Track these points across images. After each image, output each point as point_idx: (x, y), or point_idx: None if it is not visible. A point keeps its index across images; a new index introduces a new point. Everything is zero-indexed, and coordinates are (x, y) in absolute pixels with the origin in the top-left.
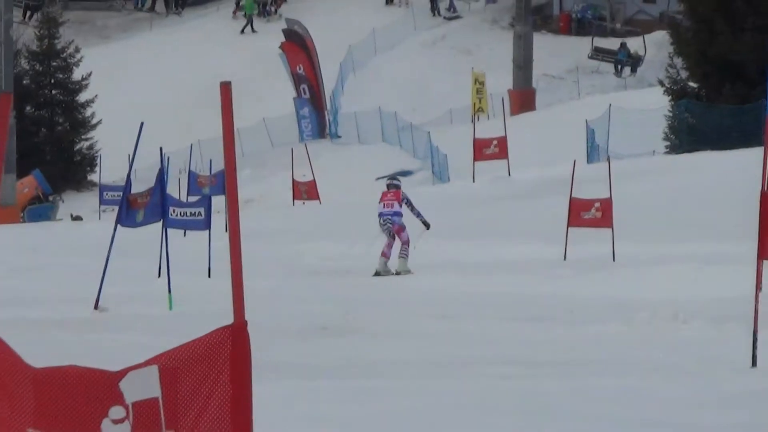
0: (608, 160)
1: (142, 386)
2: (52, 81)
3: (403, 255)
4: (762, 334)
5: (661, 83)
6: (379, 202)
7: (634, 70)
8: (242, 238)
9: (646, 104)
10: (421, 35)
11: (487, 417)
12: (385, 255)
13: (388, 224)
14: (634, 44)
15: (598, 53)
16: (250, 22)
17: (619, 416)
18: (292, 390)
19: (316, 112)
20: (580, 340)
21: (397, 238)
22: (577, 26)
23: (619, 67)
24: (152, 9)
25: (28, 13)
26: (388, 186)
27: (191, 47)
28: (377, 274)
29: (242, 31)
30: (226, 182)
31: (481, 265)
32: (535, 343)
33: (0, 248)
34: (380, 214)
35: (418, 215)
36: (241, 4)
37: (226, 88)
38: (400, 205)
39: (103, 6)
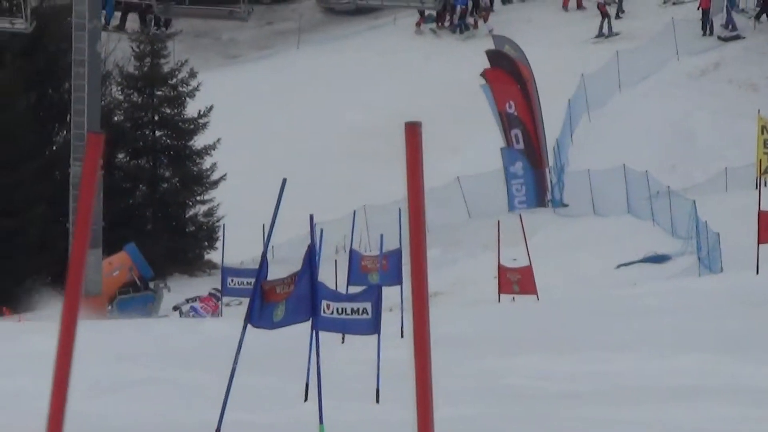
0: None
1: None
2: (156, 118)
3: None
4: None
5: None
6: None
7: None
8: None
9: None
10: (686, 63)
11: None
12: None
13: None
14: None
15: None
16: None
17: None
18: None
19: (533, 169)
20: None
21: None
22: None
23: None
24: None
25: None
26: None
27: (355, 74)
28: None
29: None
30: (411, 266)
31: None
32: None
33: (79, 355)
34: None
35: None
36: (427, 13)
37: (413, 129)
38: None
39: (222, 13)
